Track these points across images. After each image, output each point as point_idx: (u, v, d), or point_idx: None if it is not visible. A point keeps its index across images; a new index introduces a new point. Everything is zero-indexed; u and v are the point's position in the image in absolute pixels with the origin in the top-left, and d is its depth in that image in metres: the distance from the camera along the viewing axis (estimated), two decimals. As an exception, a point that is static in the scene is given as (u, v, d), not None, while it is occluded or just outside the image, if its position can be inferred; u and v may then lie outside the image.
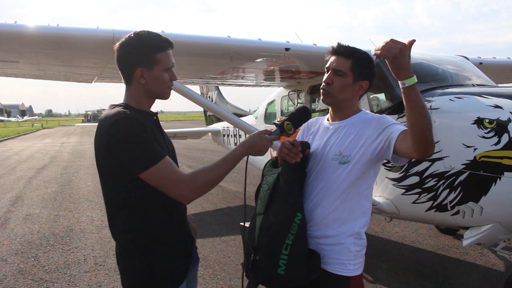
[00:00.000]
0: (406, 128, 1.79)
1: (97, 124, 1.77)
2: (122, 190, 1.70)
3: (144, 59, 1.73)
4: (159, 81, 1.77)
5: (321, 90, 2.04)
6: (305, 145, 1.99)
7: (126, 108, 1.72)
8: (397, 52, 1.66)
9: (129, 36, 1.76)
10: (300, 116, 2.00)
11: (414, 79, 1.68)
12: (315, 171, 2.02)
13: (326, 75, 2.03)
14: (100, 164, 1.75)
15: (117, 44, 1.77)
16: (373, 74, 2.06)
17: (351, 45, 2.05)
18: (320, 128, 2.12)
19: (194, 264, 1.97)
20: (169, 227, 1.80)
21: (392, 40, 1.69)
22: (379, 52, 1.70)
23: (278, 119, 1.97)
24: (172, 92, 1.92)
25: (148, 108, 1.85)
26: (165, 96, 1.85)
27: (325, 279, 1.94)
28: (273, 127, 1.97)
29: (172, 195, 1.68)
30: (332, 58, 2.03)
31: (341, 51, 2.00)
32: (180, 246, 1.85)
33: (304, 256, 1.88)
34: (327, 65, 2.05)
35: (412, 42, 1.71)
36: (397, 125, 1.91)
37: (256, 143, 1.82)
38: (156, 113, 1.89)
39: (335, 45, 2.03)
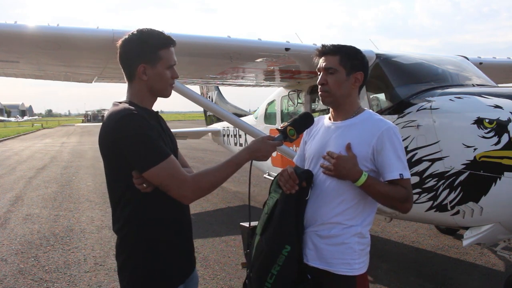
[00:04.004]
0: (398, 177, 1.88)
1: (97, 124, 1.76)
2: (127, 185, 1.70)
3: (147, 55, 1.74)
4: (161, 78, 1.78)
5: (319, 92, 2.05)
6: (303, 176, 1.95)
7: (131, 105, 1.73)
8: (335, 168, 1.88)
9: (132, 33, 1.77)
10: (303, 122, 1.99)
11: (361, 180, 1.85)
12: (316, 171, 2.02)
13: (319, 77, 2.04)
14: (105, 159, 1.76)
15: (120, 41, 1.78)
16: (365, 65, 2.06)
17: (351, 45, 2.06)
18: (322, 128, 2.10)
19: (192, 279, 1.94)
20: (172, 226, 1.80)
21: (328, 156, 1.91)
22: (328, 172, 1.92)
23: (282, 125, 1.97)
24: (173, 92, 1.92)
25: (150, 107, 1.86)
26: (166, 94, 1.86)
27: (330, 280, 1.94)
28: (273, 127, 1.97)
29: (174, 195, 1.69)
30: (321, 59, 2.04)
31: (327, 50, 2.02)
32: (181, 246, 1.84)
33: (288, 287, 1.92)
34: (318, 67, 2.06)
35: (348, 145, 1.91)
36: (395, 164, 1.90)
37: (260, 149, 1.83)
38: (157, 112, 1.90)
39: (319, 47, 2.05)
